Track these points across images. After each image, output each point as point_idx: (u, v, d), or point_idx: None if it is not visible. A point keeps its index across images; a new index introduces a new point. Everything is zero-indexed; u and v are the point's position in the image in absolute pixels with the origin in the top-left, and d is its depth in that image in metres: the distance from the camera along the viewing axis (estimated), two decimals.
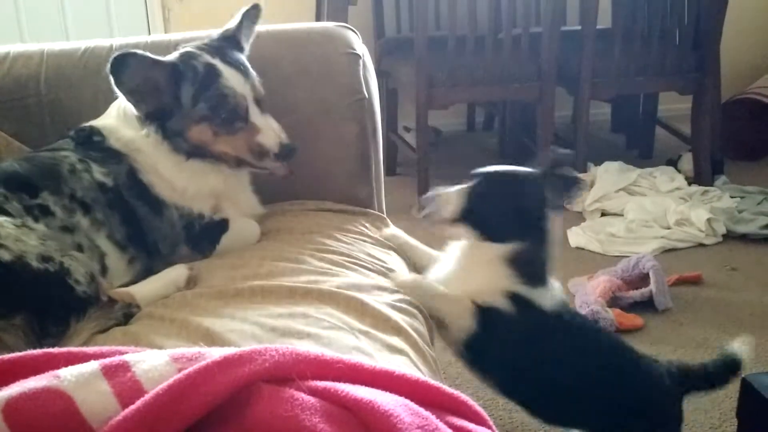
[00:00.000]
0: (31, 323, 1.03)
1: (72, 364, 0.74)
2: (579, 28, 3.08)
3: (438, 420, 0.74)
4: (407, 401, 0.75)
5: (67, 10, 3.57)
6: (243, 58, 1.42)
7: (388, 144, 3.36)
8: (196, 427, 0.70)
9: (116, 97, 1.37)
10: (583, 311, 2.07)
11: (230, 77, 1.35)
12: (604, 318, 2.05)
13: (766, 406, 1.35)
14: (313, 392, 0.75)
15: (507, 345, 1.30)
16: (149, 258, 1.34)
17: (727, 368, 1.35)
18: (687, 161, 3.26)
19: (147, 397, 0.69)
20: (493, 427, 0.80)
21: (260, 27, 1.57)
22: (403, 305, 1.22)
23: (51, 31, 3.51)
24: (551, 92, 3.02)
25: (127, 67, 1.28)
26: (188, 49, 1.37)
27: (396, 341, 1.09)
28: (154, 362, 0.75)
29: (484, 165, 1.34)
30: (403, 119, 3.61)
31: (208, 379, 0.71)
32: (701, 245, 2.66)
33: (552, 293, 1.33)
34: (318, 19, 3.52)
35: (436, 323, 1.34)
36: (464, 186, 1.33)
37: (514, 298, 1.29)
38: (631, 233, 2.71)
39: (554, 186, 1.30)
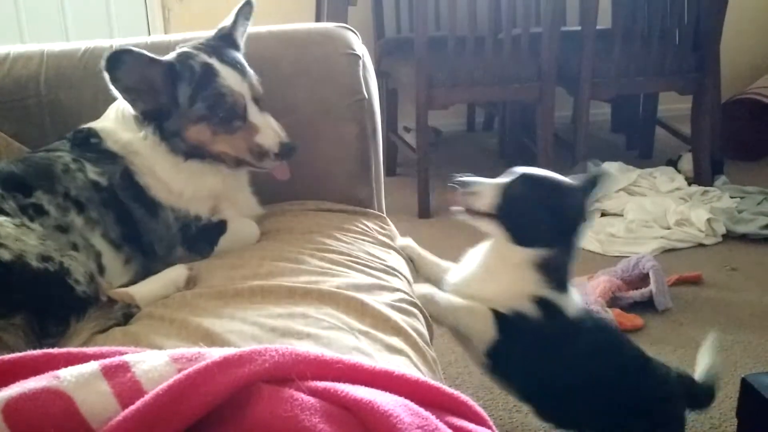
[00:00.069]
0: (31, 323, 1.03)
1: (72, 364, 0.74)
2: (579, 28, 3.08)
3: (438, 420, 0.74)
4: (407, 401, 0.75)
5: (67, 10, 3.57)
6: (240, 56, 1.41)
7: (388, 144, 3.36)
8: (196, 427, 0.70)
9: (116, 99, 1.37)
10: None
11: (227, 76, 1.34)
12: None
13: (766, 406, 1.35)
14: (312, 392, 0.75)
15: (533, 350, 1.29)
16: (145, 258, 1.33)
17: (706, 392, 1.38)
18: (687, 161, 3.26)
19: (147, 397, 0.69)
20: (493, 428, 0.80)
21: (260, 27, 1.57)
22: (403, 305, 1.22)
23: (51, 32, 3.51)
24: (551, 92, 3.02)
25: (123, 64, 1.27)
26: (185, 49, 1.36)
27: (396, 341, 1.08)
28: (154, 362, 0.75)
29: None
30: (403, 119, 3.60)
31: (207, 380, 0.71)
32: (701, 245, 2.67)
33: (574, 298, 1.33)
34: (318, 19, 3.52)
35: (455, 334, 1.34)
36: (501, 181, 1.31)
37: (542, 303, 1.28)
38: (631, 233, 2.71)
39: (591, 200, 1.31)
